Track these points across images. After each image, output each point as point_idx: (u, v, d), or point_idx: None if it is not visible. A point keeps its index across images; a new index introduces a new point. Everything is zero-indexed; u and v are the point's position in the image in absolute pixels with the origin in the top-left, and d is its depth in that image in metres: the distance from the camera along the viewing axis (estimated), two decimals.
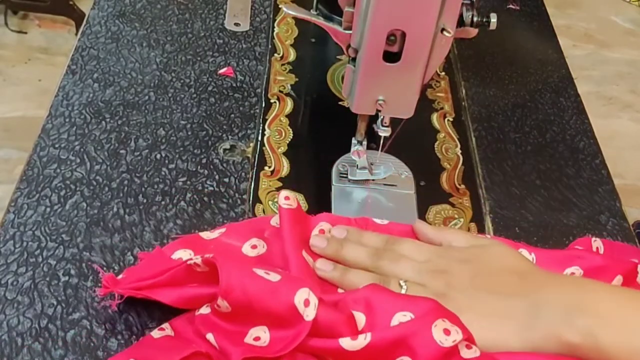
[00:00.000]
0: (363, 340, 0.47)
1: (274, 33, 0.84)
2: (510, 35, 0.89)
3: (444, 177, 0.69)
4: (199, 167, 0.67)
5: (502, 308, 0.51)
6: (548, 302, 0.50)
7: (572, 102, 0.81)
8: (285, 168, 0.67)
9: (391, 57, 0.55)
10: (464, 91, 0.80)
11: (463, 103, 0.78)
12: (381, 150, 0.64)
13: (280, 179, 0.66)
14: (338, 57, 0.81)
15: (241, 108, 0.74)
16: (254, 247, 0.57)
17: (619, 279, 0.57)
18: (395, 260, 0.55)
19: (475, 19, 0.57)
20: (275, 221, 0.59)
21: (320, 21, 0.59)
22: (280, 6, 0.87)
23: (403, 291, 0.52)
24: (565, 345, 0.49)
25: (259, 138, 0.70)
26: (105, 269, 0.57)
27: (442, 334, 0.47)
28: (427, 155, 0.71)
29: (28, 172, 0.64)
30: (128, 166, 0.66)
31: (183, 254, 0.56)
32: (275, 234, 0.58)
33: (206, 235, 0.58)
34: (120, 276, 0.55)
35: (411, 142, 0.69)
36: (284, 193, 0.58)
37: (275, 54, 0.81)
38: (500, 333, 0.50)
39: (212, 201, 0.64)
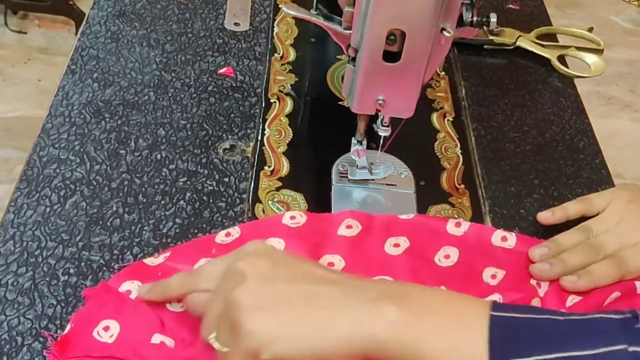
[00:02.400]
0: None
1: (274, 33, 0.84)
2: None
3: (444, 177, 0.69)
4: (199, 167, 0.67)
5: (311, 296, 0.44)
6: (363, 289, 0.45)
7: (572, 102, 0.81)
8: (285, 168, 0.67)
9: (391, 57, 0.55)
10: (463, 91, 0.80)
11: (463, 103, 0.78)
12: (381, 150, 0.64)
13: (280, 179, 0.66)
14: (338, 57, 0.81)
15: (241, 108, 0.74)
16: None
17: (615, 294, 0.58)
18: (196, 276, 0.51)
19: (475, 19, 0.57)
20: (220, 238, 0.59)
21: (320, 21, 0.59)
22: (280, 6, 0.87)
23: (220, 348, 0.45)
24: (371, 339, 0.43)
25: (259, 138, 0.70)
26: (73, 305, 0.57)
27: None
28: (427, 155, 0.71)
29: (28, 172, 0.64)
30: (128, 166, 0.66)
31: (130, 286, 0.54)
32: (224, 250, 0.57)
33: (150, 261, 0.57)
34: (68, 326, 0.52)
35: (411, 142, 0.69)
36: (290, 214, 0.60)
37: (275, 54, 0.81)
38: (308, 324, 0.43)
39: (211, 200, 0.64)
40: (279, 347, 0.42)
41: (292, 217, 0.61)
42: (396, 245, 0.60)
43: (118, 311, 0.52)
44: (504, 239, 0.62)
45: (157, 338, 0.51)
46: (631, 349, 0.40)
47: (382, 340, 0.43)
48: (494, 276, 0.60)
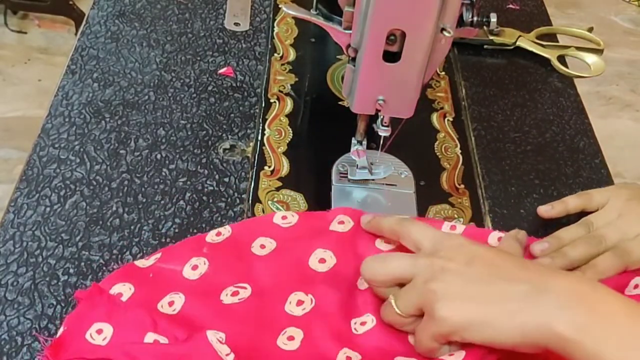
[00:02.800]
0: None
1: (274, 33, 0.84)
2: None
3: (444, 177, 0.69)
4: (199, 167, 0.67)
5: (498, 289, 0.49)
6: (548, 290, 0.48)
7: (572, 101, 0.81)
8: (285, 168, 0.67)
9: (391, 57, 0.55)
10: (463, 91, 0.80)
11: (463, 103, 0.78)
12: (381, 150, 0.64)
13: (280, 179, 0.66)
14: (338, 57, 0.81)
15: (241, 108, 0.74)
16: (194, 267, 0.56)
17: None
18: (386, 261, 0.55)
19: (475, 19, 0.57)
20: (211, 237, 0.59)
21: (320, 21, 0.59)
22: (280, 6, 0.87)
23: (394, 309, 0.52)
24: (554, 336, 0.46)
25: (259, 138, 0.70)
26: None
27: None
28: (427, 155, 0.71)
29: (28, 172, 0.64)
30: (128, 166, 0.66)
31: (122, 288, 0.54)
32: (215, 249, 0.58)
33: (141, 263, 0.57)
34: (60, 329, 0.52)
35: (411, 142, 0.69)
36: (281, 213, 0.60)
37: (275, 54, 0.81)
38: (494, 312, 0.48)
39: (211, 200, 0.64)
40: (468, 333, 0.49)
41: (284, 217, 0.61)
42: (388, 242, 0.60)
43: (110, 314, 0.52)
44: (501, 239, 0.62)
45: (150, 337, 0.51)
46: None
47: (567, 342, 0.46)
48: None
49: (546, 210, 0.66)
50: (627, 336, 0.46)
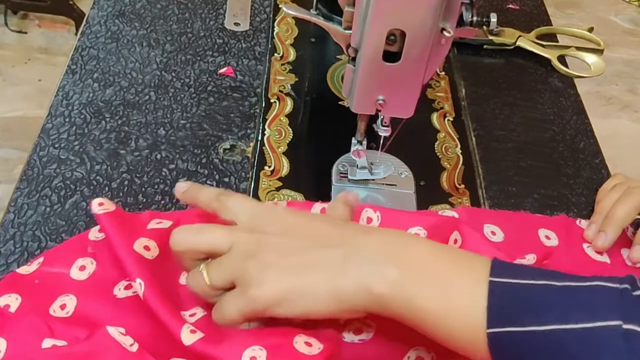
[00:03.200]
0: None
1: (274, 33, 0.84)
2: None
3: (444, 177, 0.69)
4: (199, 166, 0.67)
5: (313, 257, 0.48)
6: (359, 251, 0.47)
7: (572, 102, 0.81)
8: (285, 168, 0.67)
9: (391, 57, 0.55)
10: (463, 91, 0.80)
11: (463, 103, 0.78)
12: (381, 150, 0.64)
13: (280, 179, 0.66)
14: (338, 57, 0.81)
15: (241, 108, 0.74)
16: (82, 268, 0.55)
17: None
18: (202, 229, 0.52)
19: (475, 19, 0.57)
20: (94, 235, 0.58)
21: (320, 21, 0.59)
22: (280, 6, 0.87)
23: (203, 277, 0.49)
24: (373, 296, 0.46)
25: (259, 138, 0.70)
26: None
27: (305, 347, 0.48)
28: (427, 155, 0.71)
29: (28, 172, 0.64)
30: (128, 166, 0.66)
31: (8, 300, 0.52)
32: (100, 246, 0.57)
33: (24, 270, 0.55)
34: None
35: (411, 142, 0.69)
36: (97, 200, 0.56)
37: (275, 54, 0.81)
38: (309, 281, 0.47)
39: None
40: (282, 308, 0.48)
41: (100, 204, 0.57)
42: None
43: (1, 328, 0.50)
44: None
45: (48, 343, 0.49)
46: (625, 326, 0.40)
47: (384, 299, 0.46)
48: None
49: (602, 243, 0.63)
50: (437, 281, 0.46)
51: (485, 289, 0.44)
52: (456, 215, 0.62)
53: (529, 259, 0.59)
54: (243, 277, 0.48)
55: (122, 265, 0.54)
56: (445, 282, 0.46)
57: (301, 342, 0.48)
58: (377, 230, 0.52)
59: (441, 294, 0.46)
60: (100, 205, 0.56)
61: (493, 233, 0.62)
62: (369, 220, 0.60)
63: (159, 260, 0.55)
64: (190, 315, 0.53)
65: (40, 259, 0.56)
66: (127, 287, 0.54)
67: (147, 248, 0.55)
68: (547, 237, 0.63)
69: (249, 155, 0.69)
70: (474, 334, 0.44)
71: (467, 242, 0.59)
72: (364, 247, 0.48)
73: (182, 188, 0.56)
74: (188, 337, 0.49)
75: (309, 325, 0.50)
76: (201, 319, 0.53)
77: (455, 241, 0.59)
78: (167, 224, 0.58)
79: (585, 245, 0.63)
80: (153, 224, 0.58)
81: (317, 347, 0.48)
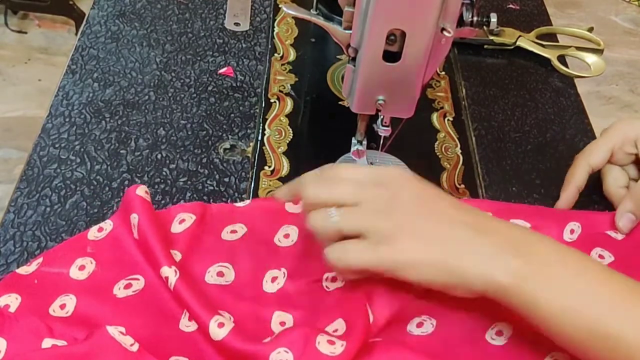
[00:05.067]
0: None
1: (274, 33, 0.84)
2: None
3: (444, 177, 0.69)
4: (199, 166, 0.67)
5: (446, 231, 0.49)
6: (490, 236, 0.48)
7: (572, 101, 0.81)
8: (285, 168, 0.67)
9: (391, 57, 0.55)
10: (464, 91, 0.80)
11: (463, 103, 0.78)
12: (381, 150, 0.64)
13: (280, 179, 0.66)
14: (338, 57, 0.81)
15: (241, 108, 0.74)
16: (81, 268, 0.55)
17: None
18: (334, 184, 0.53)
19: (475, 19, 0.57)
20: (93, 234, 0.58)
21: (320, 21, 0.59)
22: (280, 6, 0.87)
23: (333, 219, 0.50)
24: (495, 284, 0.47)
25: (259, 138, 0.70)
26: None
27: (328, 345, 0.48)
28: (427, 155, 0.71)
29: (28, 172, 0.64)
30: (128, 166, 0.66)
31: (7, 300, 0.52)
32: (99, 246, 0.57)
33: (24, 270, 0.55)
34: None
35: (411, 142, 0.69)
36: (144, 187, 0.58)
37: (275, 54, 0.81)
38: (438, 254, 0.48)
39: (211, 200, 0.64)
40: (408, 272, 0.49)
41: (146, 192, 0.58)
42: (233, 231, 0.59)
43: (1, 327, 0.50)
44: None
45: (47, 343, 0.49)
46: None
47: (504, 288, 0.47)
48: None
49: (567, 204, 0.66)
50: (562, 283, 0.47)
51: (608, 287, 0.47)
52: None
53: None
54: (375, 232, 0.49)
55: (153, 256, 0.54)
56: (569, 282, 0.47)
57: (324, 342, 0.48)
58: (506, 221, 0.53)
59: (564, 293, 0.47)
60: (146, 193, 0.58)
61: None
62: None
63: (181, 265, 0.56)
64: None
65: (40, 259, 0.56)
66: (127, 287, 0.54)
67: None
68: (572, 231, 0.63)
69: (249, 155, 0.69)
70: (590, 334, 0.46)
71: None
72: (495, 233, 0.49)
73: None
74: (216, 330, 0.50)
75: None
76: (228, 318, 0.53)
77: None
78: (189, 221, 0.59)
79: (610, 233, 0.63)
80: (176, 225, 0.58)
81: (340, 344, 0.48)
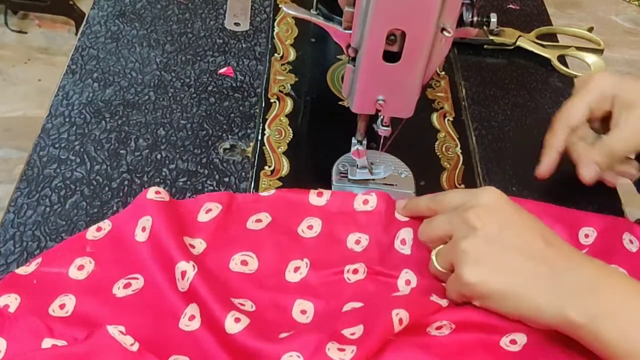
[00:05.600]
0: None
1: (274, 33, 0.84)
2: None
3: (444, 177, 0.69)
4: (199, 166, 0.67)
5: (525, 267, 0.51)
6: (568, 276, 0.50)
7: None
8: (285, 168, 0.67)
9: (391, 57, 0.55)
10: (464, 91, 0.80)
11: (463, 103, 0.78)
12: (381, 150, 0.64)
13: (280, 179, 0.66)
14: (338, 57, 0.81)
15: (241, 108, 0.74)
16: (80, 268, 0.55)
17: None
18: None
19: (475, 19, 0.57)
20: (92, 234, 0.58)
21: (320, 21, 0.59)
22: (280, 6, 0.87)
23: (434, 260, 0.56)
24: (569, 323, 0.49)
25: (259, 138, 0.70)
26: None
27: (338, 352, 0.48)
28: (427, 155, 0.71)
29: (28, 172, 0.64)
30: (128, 166, 0.66)
31: (7, 300, 0.52)
32: (98, 246, 0.57)
33: (23, 270, 0.55)
34: None
35: (411, 142, 0.69)
36: (155, 188, 0.59)
37: (275, 54, 0.81)
38: (513, 290, 0.51)
39: None
40: (488, 302, 0.52)
41: (157, 192, 0.59)
42: (258, 220, 0.60)
43: (1, 327, 0.50)
44: (365, 202, 0.62)
45: (47, 343, 0.50)
46: None
47: (578, 328, 0.49)
48: (357, 241, 0.60)
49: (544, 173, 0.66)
50: (633, 321, 0.48)
51: None
52: None
53: None
54: (458, 260, 0.52)
55: (168, 254, 0.55)
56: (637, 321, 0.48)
57: (334, 349, 0.48)
58: (585, 256, 0.54)
59: (631, 335, 0.48)
60: (157, 194, 0.58)
61: None
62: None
63: (206, 253, 0.57)
64: (240, 304, 0.54)
65: (39, 260, 0.56)
66: (126, 286, 0.54)
67: (192, 246, 0.57)
68: (587, 236, 0.63)
69: (249, 155, 0.69)
70: None
71: None
72: (573, 272, 0.50)
73: (402, 204, 0.62)
74: (232, 325, 0.51)
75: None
76: (249, 312, 0.54)
77: None
78: (215, 211, 0.60)
79: (626, 240, 0.63)
80: (202, 214, 0.60)
81: (350, 350, 0.48)
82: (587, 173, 0.63)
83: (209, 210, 0.60)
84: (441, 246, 0.56)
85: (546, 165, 0.66)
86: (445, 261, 0.55)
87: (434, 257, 0.56)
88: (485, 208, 0.54)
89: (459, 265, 0.52)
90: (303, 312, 0.55)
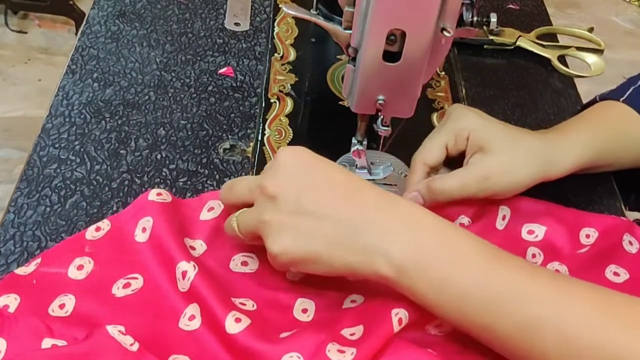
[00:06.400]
0: None
1: (274, 33, 0.84)
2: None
3: None
4: (199, 166, 0.67)
5: (325, 232, 0.50)
6: (367, 230, 0.49)
7: (572, 101, 0.81)
8: None
9: (391, 57, 0.55)
10: (464, 91, 0.80)
11: (463, 103, 0.78)
12: (381, 150, 0.64)
13: None
14: (338, 57, 0.81)
15: (241, 108, 0.74)
16: (79, 267, 0.55)
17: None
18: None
19: (475, 19, 0.57)
20: (91, 234, 0.58)
21: (320, 21, 0.59)
22: (280, 6, 0.87)
23: (234, 224, 0.55)
24: (381, 276, 0.49)
25: (259, 138, 0.70)
26: None
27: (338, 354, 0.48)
28: None
29: (28, 172, 0.64)
30: (128, 166, 0.66)
31: (7, 300, 0.52)
32: (97, 245, 0.57)
33: (22, 270, 0.55)
34: None
35: (411, 142, 0.69)
36: (156, 190, 0.60)
37: (275, 54, 0.81)
38: (320, 252, 0.50)
39: None
40: (301, 267, 0.52)
41: (159, 194, 0.60)
42: None
43: (0, 328, 0.50)
44: None
45: (47, 343, 0.50)
46: None
47: (390, 281, 0.49)
48: None
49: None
50: (438, 273, 0.48)
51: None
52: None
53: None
54: (263, 232, 0.52)
55: (168, 254, 0.55)
56: (444, 277, 0.48)
57: (334, 350, 0.48)
58: (387, 204, 0.51)
59: (438, 290, 0.48)
60: (158, 195, 0.59)
61: (530, 233, 0.63)
62: None
63: (207, 254, 0.58)
64: (241, 304, 0.54)
65: (38, 260, 0.56)
66: (126, 286, 0.54)
67: (192, 248, 0.58)
68: (587, 236, 0.63)
69: (249, 155, 0.69)
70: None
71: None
72: (375, 223, 0.49)
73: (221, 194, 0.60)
74: (232, 325, 0.51)
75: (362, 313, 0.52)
76: (250, 312, 0.54)
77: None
78: (218, 210, 0.60)
79: (625, 243, 0.63)
80: (205, 212, 0.60)
81: (350, 352, 0.48)
82: (409, 198, 0.62)
83: (211, 209, 0.60)
84: (244, 210, 0.55)
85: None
86: (246, 229, 0.54)
87: (235, 222, 0.55)
88: (282, 174, 0.52)
89: (264, 237, 0.52)
90: (304, 310, 0.55)
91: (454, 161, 0.64)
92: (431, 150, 0.63)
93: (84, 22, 0.82)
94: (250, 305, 0.55)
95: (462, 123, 0.63)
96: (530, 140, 0.62)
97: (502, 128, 0.63)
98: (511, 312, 0.47)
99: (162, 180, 0.65)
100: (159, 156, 0.67)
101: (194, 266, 0.54)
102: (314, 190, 0.51)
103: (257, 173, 0.66)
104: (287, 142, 0.70)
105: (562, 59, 0.86)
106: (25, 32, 2.11)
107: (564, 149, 0.63)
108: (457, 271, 0.48)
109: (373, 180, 0.66)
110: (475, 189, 0.61)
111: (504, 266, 0.48)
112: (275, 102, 0.74)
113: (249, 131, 0.71)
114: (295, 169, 0.52)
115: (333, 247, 0.50)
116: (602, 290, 0.49)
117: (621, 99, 0.67)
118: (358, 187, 0.52)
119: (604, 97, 0.70)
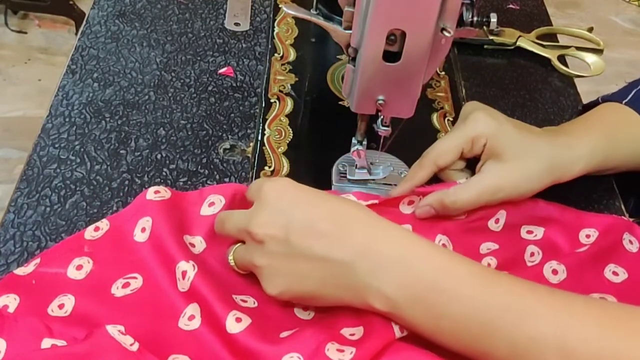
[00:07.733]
0: None
1: (274, 33, 0.84)
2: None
3: None
4: (199, 166, 0.67)
5: (316, 272, 0.50)
6: (358, 265, 0.49)
7: (572, 101, 0.81)
8: (285, 168, 0.67)
9: (391, 57, 0.55)
10: (464, 91, 0.80)
11: (463, 103, 0.78)
12: (381, 150, 0.64)
13: None
14: (338, 57, 0.81)
15: (241, 108, 0.74)
16: (79, 267, 0.55)
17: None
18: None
19: (475, 19, 0.57)
20: (90, 234, 0.58)
21: (320, 21, 0.59)
22: (280, 6, 0.87)
23: (231, 262, 0.56)
24: (375, 310, 0.49)
25: (259, 138, 0.70)
26: None
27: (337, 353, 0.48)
28: None
29: (28, 172, 0.64)
30: (128, 166, 0.66)
31: (6, 300, 0.52)
32: (96, 245, 0.57)
33: (21, 271, 0.55)
34: None
35: (411, 142, 0.69)
36: (154, 188, 0.59)
37: (275, 54, 0.81)
38: (314, 291, 0.51)
39: None
40: (303, 303, 0.54)
41: (157, 192, 0.59)
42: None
43: (0, 328, 0.50)
44: None
45: (47, 343, 0.50)
46: None
47: (387, 315, 0.50)
48: None
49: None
50: (433, 302, 0.48)
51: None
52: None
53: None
54: (256, 274, 0.53)
55: (168, 254, 0.55)
56: (439, 306, 0.48)
57: (333, 349, 0.48)
58: (375, 238, 0.51)
59: (435, 318, 0.48)
60: (156, 193, 0.59)
61: (529, 232, 0.63)
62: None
63: (207, 251, 0.58)
64: (242, 301, 0.54)
65: (37, 260, 0.56)
66: (125, 286, 0.54)
67: (192, 245, 0.58)
68: (587, 236, 0.63)
69: (249, 155, 0.69)
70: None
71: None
72: (362, 261, 0.49)
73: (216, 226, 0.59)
74: (233, 325, 0.51)
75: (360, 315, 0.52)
76: (250, 309, 0.54)
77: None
78: (219, 205, 0.60)
79: (626, 241, 0.63)
80: (205, 207, 0.60)
81: (349, 351, 0.48)
82: (420, 212, 0.62)
83: (212, 204, 0.60)
84: (237, 246, 0.56)
85: (399, 193, 0.63)
86: (241, 266, 0.56)
87: (231, 257, 0.56)
88: (267, 213, 0.52)
89: (259, 278, 0.53)
90: (305, 308, 0.55)
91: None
92: (447, 152, 0.63)
93: (84, 22, 0.82)
94: (251, 302, 0.55)
95: (479, 129, 0.62)
96: (542, 147, 0.63)
97: (516, 134, 0.62)
98: (511, 330, 0.46)
99: (162, 180, 0.65)
100: (159, 156, 0.67)
101: (194, 266, 0.54)
102: (301, 228, 0.51)
103: (257, 173, 0.66)
104: (287, 142, 0.70)
105: (562, 58, 0.86)
106: (25, 32, 2.11)
107: (574, 155, 0.63)
108: (452, 298, 0.48)
109: (373, 180, 0.66)
110: (487, 201, 0.62)
111: (499, 285, 0.48)
112: (275, 102, 0.74)
113: (249, 131, 0.71)
114: (279, 205, 0.52)
115: (327, 287, 0.50)
116: (600, 303, 0.49)
117: (624, 101, 0.67)
118: (345, 221, 0.51)
119: (606, 99, 0.70)
